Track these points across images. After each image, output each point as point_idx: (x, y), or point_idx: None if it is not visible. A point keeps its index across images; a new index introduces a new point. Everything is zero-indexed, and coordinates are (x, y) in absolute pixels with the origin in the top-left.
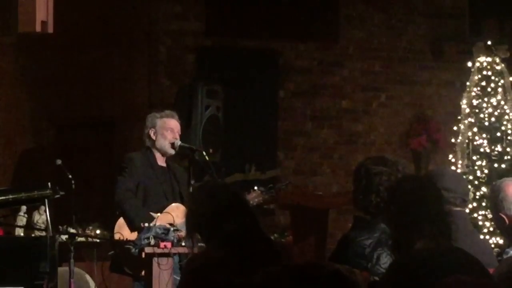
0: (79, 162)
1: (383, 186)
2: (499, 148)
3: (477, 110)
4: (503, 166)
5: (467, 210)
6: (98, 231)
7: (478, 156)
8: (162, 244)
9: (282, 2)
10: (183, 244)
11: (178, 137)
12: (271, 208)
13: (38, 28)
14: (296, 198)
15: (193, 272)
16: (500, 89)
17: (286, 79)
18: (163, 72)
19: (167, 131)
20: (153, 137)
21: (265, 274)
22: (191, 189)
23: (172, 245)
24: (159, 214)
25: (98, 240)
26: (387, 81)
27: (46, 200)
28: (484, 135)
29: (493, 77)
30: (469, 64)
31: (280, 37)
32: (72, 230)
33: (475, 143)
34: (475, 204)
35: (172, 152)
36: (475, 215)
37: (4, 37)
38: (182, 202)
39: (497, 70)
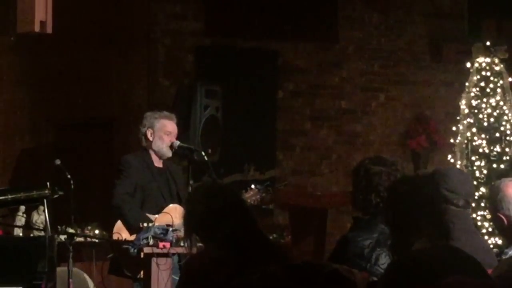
0: (78, 162)
1: (383, 186)
2: (498, 148)
3: (476, 111)
4: (502, 166)
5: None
6: (97, 231)
7: (477, 157)
8: (161, 244)
9: (281, 3)
10: (182, 244)
11: (174, 140)
12: (270, 208)
13: (37, 28)
14: (295, 198)
15: (192, 272)
16: (499, 90)
17: (285, 79)
18: (162, 72)
19: (165, 134)
20: (150, 138)
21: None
22: (190, 189)
23: (171, 245)
24: (156, 216)
25: (97, 240)
26: (386, 81)
27: (45, 200)
28: (483, 136)
29: (492, 78)
30: (468, 64)
31: (279, 37)
32: (71, 230)
33: (474, 143)
34: (474, 205)
35: (169, 154)
36: (474, 215)
37: (3, 37)
38: (179, 203)
39: (496, 70)
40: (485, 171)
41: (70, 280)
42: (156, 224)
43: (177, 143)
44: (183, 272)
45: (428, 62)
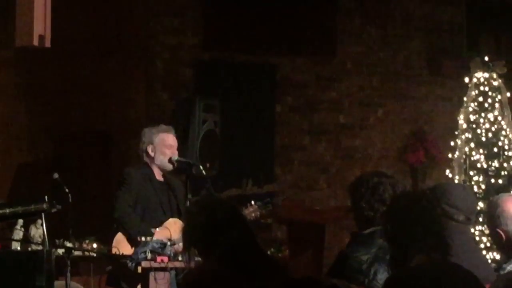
0: (76, 175)
1: (387, 193)
2: (496, 163)
3: (474, 126)
4: (500, 181)
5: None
6: (95, 245)
7: (475, 172)
8: (158, 259)
9: (280, 17)
10: (179, 258)
11: (176, 152)
12: (268, 223)
13: (35, 42)
14: (293, 212)
15: (191, 286)
16: (497, 105)
17: (283, 93)
18: (161, 86)
19: (166, 148)
20: (152, 154)
21: None
22: (188, 204)
23: (169, 260)
24: (158, 229)
25: (94, 254)
26: (384, 96)
27: (43, 214)
28: (481, 151)
29: (490, 93)
30: (466, 79)
31: (278, 52)
32: (69, 244)
33: (472, 158)
34: (473, 220)
35: (171, 167)
36: (472, 230)
37: (2, 51)
38: (179, 217)
39: (494, 85)
40: (483, 186)
41: None
42: (155, 238)
43: (175, 157)
44: (181, 286)
45: (426, 77)
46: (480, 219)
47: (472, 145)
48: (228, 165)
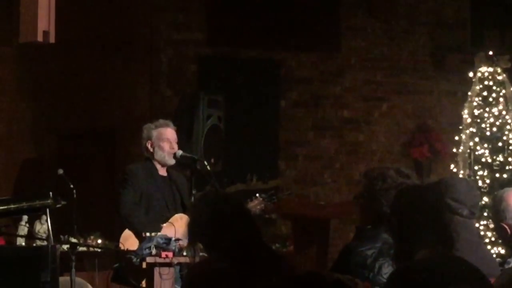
0: (80, 171)
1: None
2: (500, 158)
3: (478, 120)
4: (504, 176)
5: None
6: (99, 241)
7: (479, 166)
8: (163, 254)
9: (284, 13)
10: (184, 254)
11: (175, 145)
12: (273, 218)
13: (39, 38)
14: (297, 208)
15: (194, 281)
16: (501, 99)
17: (287, 89)
18: (165, 82)
19: (163, 141)
20: (151, 149)
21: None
22: (192, 199)
23: (174, 255)
24: (164, 225)
25: (99, 250)
26: (389, 91)
27: (48, 210)
28: (485, 145)
29: (494, 87)
30: (471, 74)
31: (282, 47)
32: (73, 240)
33: (476, 153)
34: (477, 214)
35: (173, 162)
36: (477, 224)
37: (6, 47)
38: (184, 212)
39: (498, 80)
40: (487, 181)
41: None
42: (161, 233)
43: (180, 152)
44: (185, 282)
45: (430, 72)
46: (485, 214)
47: (477, 139)
48: (232, 160)
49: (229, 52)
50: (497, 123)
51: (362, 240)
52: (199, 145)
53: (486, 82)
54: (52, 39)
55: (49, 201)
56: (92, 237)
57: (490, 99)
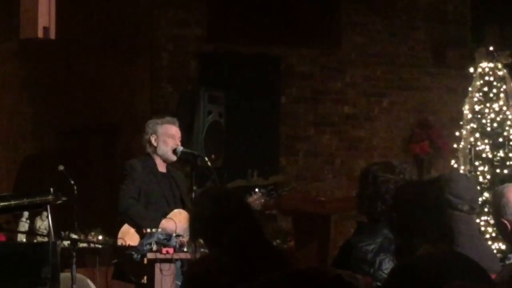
0: (81, 168)
1: (389, 194)
2: (501, 153)
3: (479, 116)
4: (505, 171)
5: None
6: (100, 237)
7: (480, 162)
8: (164, 250)
9: (284, 8)
10: (185, 249)
11: (179, 143)
12: (273, 214)
13: (40, 34)
14: (298, 203)
15: (195, 277)
16: (502, 95)
17: (288, 84)
18: (165, 78)
19: (168, 138)
20: (155, 144)
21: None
22: (193, 195)
23: (174, 251)
24: (163, 220)
25: (100, 246)
26: (389, 86)
27: (48, 206)
28: (486, 141)
29: (495, 83)
30: (471, 69)
31: (282, 43)
32: (74, 236)
33: (477, 148)
34: (477, 210)
35: (174, 158)
36: (478, 220)
37: (7, 43)
38: (183, 208)
39: (499, 75)
40: (488, 176)
41: (74, 286)
42: (161, 229)
43: (181, 148)
44: (186, 277)
45: (431, 67)
46: (486, 209)
47: (477, 135)
48: (233, 156)
49: (230, 48)
50: (498, 118)
51: (363, 235)
52: (199, 141)
53: (486, 78)
54: (52, 35)
55: (49, 197)
56: (93, 233)
57: (491, 95)
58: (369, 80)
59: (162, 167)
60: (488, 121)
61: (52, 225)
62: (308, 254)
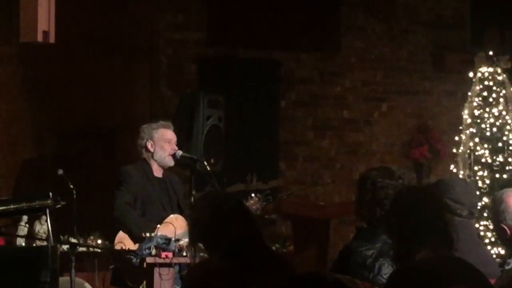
0: (80, 172)
1: (388, 200)
2: (500, 158)
3: (478, 120)
4: (504, 176)
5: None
6: (99, 241)
7: (479, 167)
8: (163, 254)
9: (283, 13)
10: (184, 254)
11: (175, 147)
12: (272, 218)
13: (39, 38)
14: (297, 208)
15: (195, 282)
16: (501, 99)
17: (287, 89)
18: (165, 82)
19: (165, 142)
20: (151, 149)
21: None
22: (192, 199)
23: (173, 255)
24: (159, 225)
25: (99, 250)
26: (389, 91)
27: (48, 210)
28: (485, 145)
29: (494, 87)
30: (471, 74)
31: (282, 47)
32: (73, 240)
33: (476, 153)
34: (476, 215)
35: (172, 163)
36: (477, 225)
37: (6, 47)
38: (180, 213)
39: (498, 80)
40: (487, 181)
41: None
42: (159, 234)
43: (180, 153)
44: (186, 282)
45: (430, 72)
46: (485, 214)
47: (477, 140)
48: (232, 160)
49: (229, 52)
50: (497, 123)
51: (362, 240)
52: (199, 145)
53: (486, 82)
54: (52, 39)
55: (49, 201)
56: (92, 237)
57: (490, 99)
58: (369, 84)
59: (158, 173)
60: (488, 125)
61: (51, 229)
62: (307, 258)
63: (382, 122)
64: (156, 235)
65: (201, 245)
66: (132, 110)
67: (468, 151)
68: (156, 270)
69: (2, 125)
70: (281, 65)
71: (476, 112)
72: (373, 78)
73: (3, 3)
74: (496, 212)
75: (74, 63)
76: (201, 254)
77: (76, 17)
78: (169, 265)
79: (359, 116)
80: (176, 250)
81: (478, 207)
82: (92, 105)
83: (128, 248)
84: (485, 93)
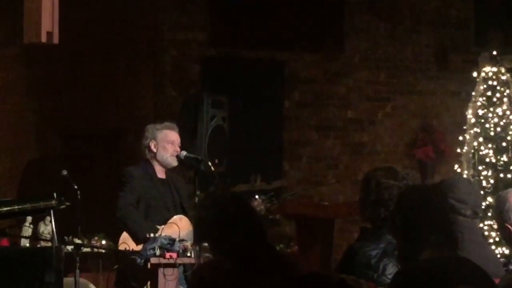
0: (84, 172)
1: (392, 201)
2: (504, 158)
3: (482, 120)
4: (509, 176)
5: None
6: (103, 242)
7: (483, 166)
8: (167, 255)
9: (287, 13)
10: (188, 254)
11: (178, 149)
12: (277, 218)
13: (43, 39)
14: (301, 208)
15: (200, 282)
16: (505, 99)
17: (291, 89)
18: (169, 82)
19: (168, 143)
20: (154, 150)
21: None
22: (196, 200)
23: (178, 256)
24: (163, 226)
25: (103, 251)
26: (393, 91)
27: (52, 211)
28: (489, 145)
29: (498, 87)
30: (475, 74)
31: (286, 47)
32: (77, 241)
33: (480, 153)
34: (480, 214)
35: (174, 164)
36: (481, 225)
37: (10, 48)
38: (183, 214)
39: (502, 80)
40: (492, 181)
41: None
42: (164, 234)
43: (184, 153)
44: (191, 283)
45: (434, 72)
46: (489, 214)
47: (481, 139)
48: (236, 161)
49: (233, 52)
50: (501, 123)
51: (367, 240)
52: (203, 145)
53: (490, 82)
54: (55, 40)
55: (53, 202)
56: (96, 238)
57: (494, 99)
58: (373, 84)
59: (161, 173)
60: (492, 125)
61: (56, 230)
62: (311, 258)
63: (386, 122)
64: (160, 235)
65: (206, 245)
66: (136, 110)
67: (472, 151)
68: (161, 270)
69: (7, 126)
70: (285, 65)
71: (480, 112)
72: (377, 78)
73: (7, 4)
74: (500, 212)
75: (78, 64)
76: (206, 254)
77: (80, 18)
78: (173, 265)
79: (363, 116)
80: (181, 251)
81: (482, 207)
82: (96, 106)
83: (132, 249)
84: (489, 93)
